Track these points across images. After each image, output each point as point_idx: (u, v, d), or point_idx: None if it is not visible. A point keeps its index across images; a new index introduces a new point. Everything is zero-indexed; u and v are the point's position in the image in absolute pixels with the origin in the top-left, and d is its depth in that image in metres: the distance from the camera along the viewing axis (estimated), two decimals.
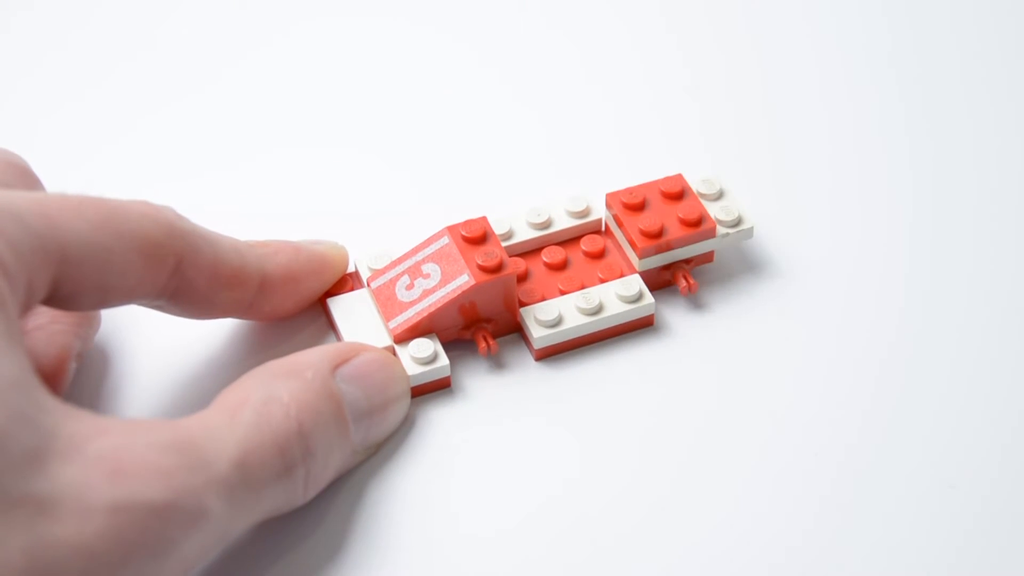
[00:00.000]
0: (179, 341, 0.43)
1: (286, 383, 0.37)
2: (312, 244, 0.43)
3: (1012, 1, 0.55)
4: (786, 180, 0.48)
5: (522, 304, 0.43)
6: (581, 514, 0.39)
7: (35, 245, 0.34)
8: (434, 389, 0.42)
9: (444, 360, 0.41)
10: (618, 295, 0.43)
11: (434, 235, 0.43)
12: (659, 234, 0.43)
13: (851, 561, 0.38)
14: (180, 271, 0.38)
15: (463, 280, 0.41)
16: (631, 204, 0.44)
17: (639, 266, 0.44)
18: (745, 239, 0.44)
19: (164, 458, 0.33)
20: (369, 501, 0.39)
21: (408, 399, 0.41)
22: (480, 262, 0.41)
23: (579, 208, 0.45)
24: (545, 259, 0.44)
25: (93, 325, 0.41)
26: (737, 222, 0.44)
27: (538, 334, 0.42)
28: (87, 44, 0.54)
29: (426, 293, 0.42)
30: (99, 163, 0.50)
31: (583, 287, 0.43)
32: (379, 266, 0.44)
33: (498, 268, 0.41)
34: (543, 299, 0.43)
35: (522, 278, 0.44)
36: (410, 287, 0.42)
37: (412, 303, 0.42)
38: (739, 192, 0.46)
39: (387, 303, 0.42)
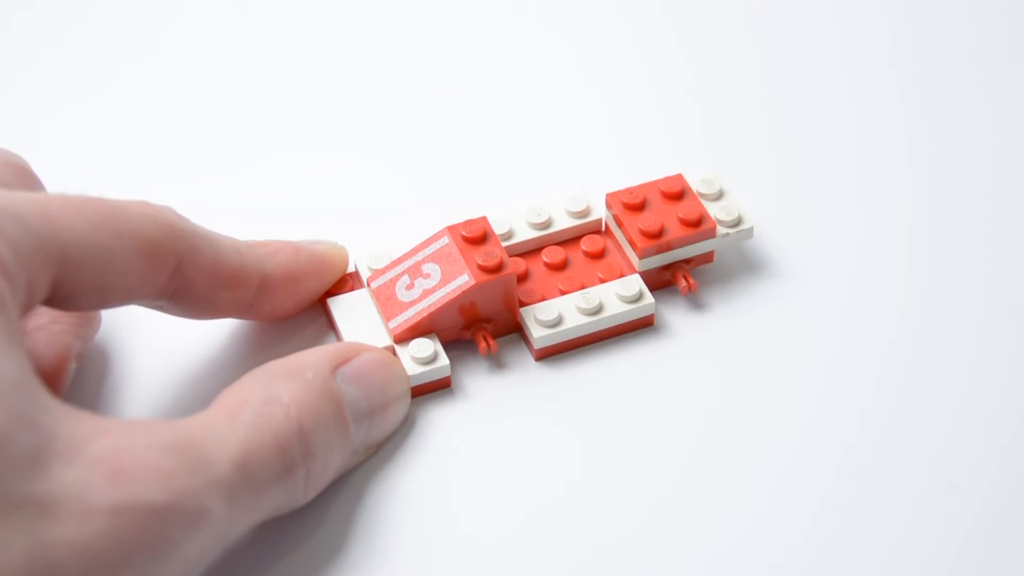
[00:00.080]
0: (179, 341, 0.43)
1: (286, 383, 0.37)
2: (312, 244, 0.43)
3: (1012, 1, 0.55)
4: (786, 180, 0.49)
5: (522, 304, 0.43)
6: (581, 514, 0.39)
7: (35, 245, 0.34)
8: (434, 389, 0.42)
9: (444, 360, 0.41)
10: (618, 295, 0.43)
11: (434, 235, 0.43)
12: (659, 234, 0.43)
13: (851, 561, 0.38)
14: (180, 271, 0.38)
15: (463, 280, 0.41)
16: (631, 204, 0.44)
17: (639, 266, 0.44)
18: (745, 239, 0.44)
19: (164, 459, 0.33)
20: (369, 501, 0.39)
21: (408, 399, 0.41)
22: (480, 262, 0.41)
23: (579, 208, 0.45)
24: (545, 259, 0.44)
25: (93, 325, 0.41)
26: (737, 222, 0.44)
27: (538, 334, 0.42)
28: (87, 44, 0.54)
29: (426, 293, 0.42)
30: (99, 163, 0.50)
31: (583, 287, 0.43)
32: (379, 266, 0.44)
33: (498, 268, 0.41)
34: (543, 299, 0.43)
35: (522, 278, 0.44)
36: (410, 287, 0.42)
37: (412, 303, 0.42)
38: (739, 192, 0.46)
39: (387, 303, 0.42)
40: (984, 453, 0.40)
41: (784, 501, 0.39)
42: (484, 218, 0.42)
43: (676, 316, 0.44)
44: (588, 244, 0.44)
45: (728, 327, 0.43)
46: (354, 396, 0.38)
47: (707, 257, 0.45)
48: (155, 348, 0.43)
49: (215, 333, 0.43)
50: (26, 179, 0.40)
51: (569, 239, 0.45)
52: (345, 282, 0.44)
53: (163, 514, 0.32)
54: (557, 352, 0.43)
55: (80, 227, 0.35)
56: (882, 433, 0.41)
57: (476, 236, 0.42)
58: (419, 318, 0.41)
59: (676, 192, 0.44)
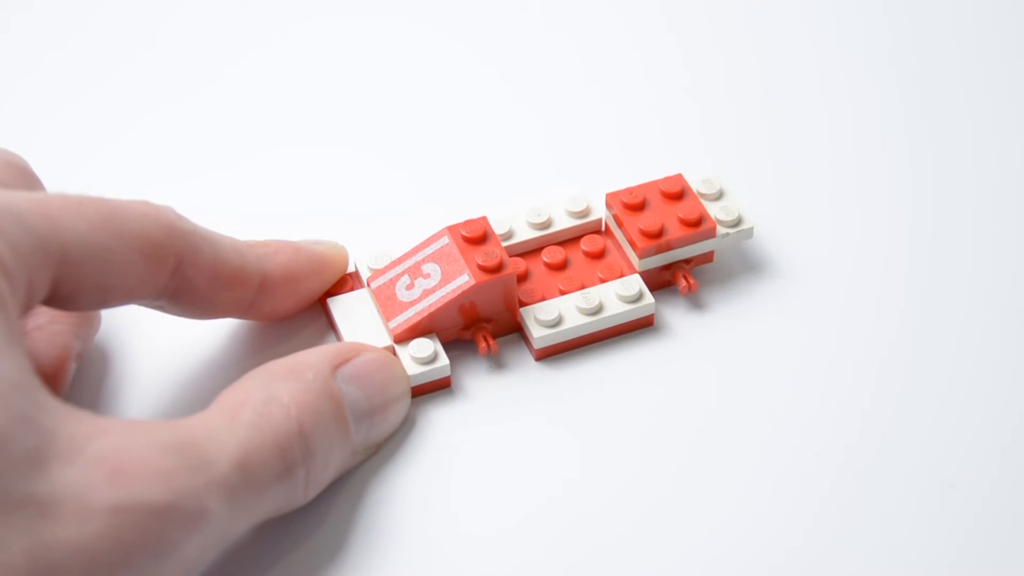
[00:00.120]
0: (179, 341, 0.43)
1: (286, 384, 0.37)
2: (312, 244, 0.43)
3: (1012, 1, 0.55)
4: (786, 180, 0.49)
5: (522, 304, 0.43)
6: (581, 514, 0.39)
7: (35, 245, 0.34)
8: (434, 389, 0.42)
9: (444, 360, 0.41)
10: (618, 295, 0.43)
11: (434, 235, 0.43)
12: (659, 234, 0.43)
13: (851, 561, 0.38)
14: (180, 271, 0.38)
15: (463, 280, 0.41)
16: (631, 204, 0.44)
17: (639, 266, 0.44)
18: (745, 239, 0.44)
19: (164, 459, 0.33)
20: (369, 501, 0.39)
21: (408, 399, 0.41)
22: (480, 262, 0.41)
23: (579, 208, 0.45)
24: (545, 259, 0.44)
25: (93, 325, 0.41)
26: (737, 222, 0.44)
27: (538, 334, 0.42)
28: (87, 44, 0.54)
29: (426, 293, 0.42)
30: (99, 163, 0.50)
31: (583, 287, 0.43)
32: (379, 266, 0.44)
33: (498, 268, 0.41)
34: (543, 299, 0.43)
35: (522, 278, 0.44)
36: (410, 287, 0.42)
37: (412, 303, 0.42)
38: (739, 192, 0.46)
39: (387, 303, 0.42)
40: (984, 453, 0.40)
41: (784, 501, 0.39)
42: (484, 218, 0.42)
43: (676, 316, 0.44)
44: (588, 244, 0.44)
45: (728, 327, 0.43)
46: (354, 396, 0.38)
47: (707, 257, 0.45)
48: (155, 348, 0.43)
49: (215, 333, 0.43)
50: (26, 179, 0.40)
51: (569, 239, 0.45)
52: (345, 282, 0.44)
53: (163, 514, 0.32)
54: (557, 352, 0.43)
55: (80, 227, 0.35)
56: (882, 433, 0.41)
57: (476, 236, 0.42)
58: (419, 318, 0.41)
59: (676, 192, 0.44)
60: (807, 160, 0.49)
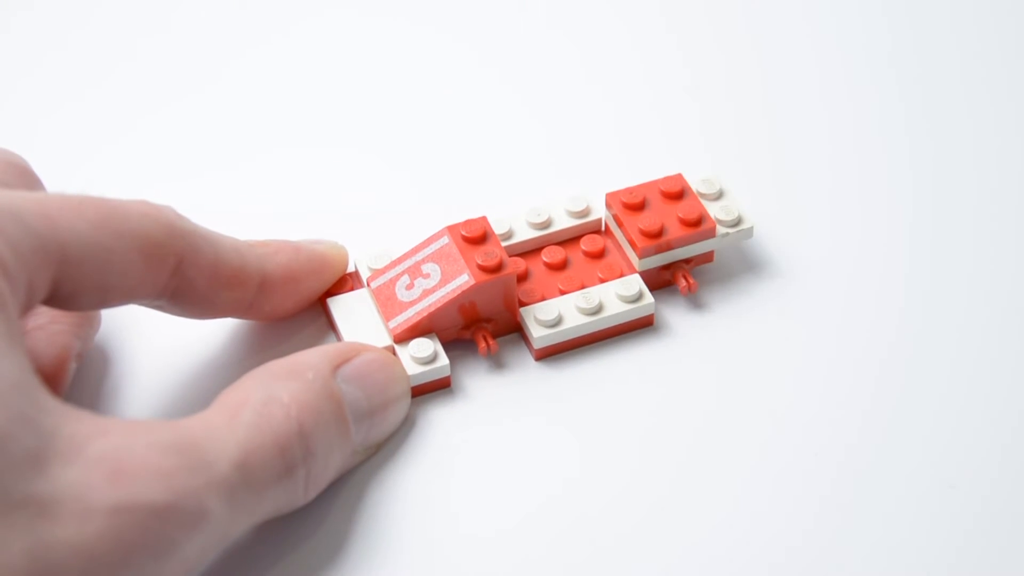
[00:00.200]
0: (179, 341, 0.43)
1: (286, 383, 0.37)
2: (312, 244, 0.43)
3: (1012, 1, 0.55)
4: (786, 180, 0.49)
5: (522, 304, 0.43)
6: (581, 514, 0.39)
7: (35, 245, 0.34)
8: (434, 389, 0.42)
9: (444, 360, 0.41)
10: (618, 295, 0.43)
11: (434, 235, 0.43)
12: (659, 234, 0.43)
13: (851, 561, 0.38)
14: (180, 271, 0.38)
15: (463, 280, 0.41)
16: (631, 204, 0.44)
17: (639, 266, 0.44)
18: (745, 239, 0.44)
19: (164, 459, 0.33)
20: (369, 501, 0.39)
21: (408, 399, 0.41)
22: (480, 262, 0.41)
23: (579, 208, 0.45)
24: (545, 259, 0.44)
25: (93, 325, 0.41)
26: (737, 222, 0.44)
27: (538, 334, 0.42)
28: (87, 44, 0.54)
29: (426, 293, 0.42)
30: (99, 163, 0.50)
31: (583, 287, 0.43)
32: (379, 266, 0.44)
33: (498, 268, 0.41)
34: (543, 299, 0.43)
35: (522, 278, 0.44)
36: (410, 287, 0.42)
37: (412, 303, 0.42)
38: (739, 192, 0.46)
39: (387, 303, 0.42)
40: (984, 453, 0.40)
41: (784, 501, 0.39)
42: (484, 218, 0.42)
43: (676, 316, 0.44)
44: (588, 244, 0.44)
45: (728, 327, 0.43)
46: (354, 396, 0.38)
47: (707, 257, 0.45)
48: (155, 348, 0.43)
49: (215, 333, 0.43)
50: (26, 179, 0.40)
51: (569, 239, 0.45)
52: (345, 282, 0.44)
53: (163, 514, 0.32)
54: (557, 352, 0.43)
55: (80, 227, 0.35)
56: (882, 433, 0.41)
57: (476, 236, 0.42)
58: (419, 318, 0.41)
59: (676, 192, 0.44)
60: (807, 160, 0.49)
